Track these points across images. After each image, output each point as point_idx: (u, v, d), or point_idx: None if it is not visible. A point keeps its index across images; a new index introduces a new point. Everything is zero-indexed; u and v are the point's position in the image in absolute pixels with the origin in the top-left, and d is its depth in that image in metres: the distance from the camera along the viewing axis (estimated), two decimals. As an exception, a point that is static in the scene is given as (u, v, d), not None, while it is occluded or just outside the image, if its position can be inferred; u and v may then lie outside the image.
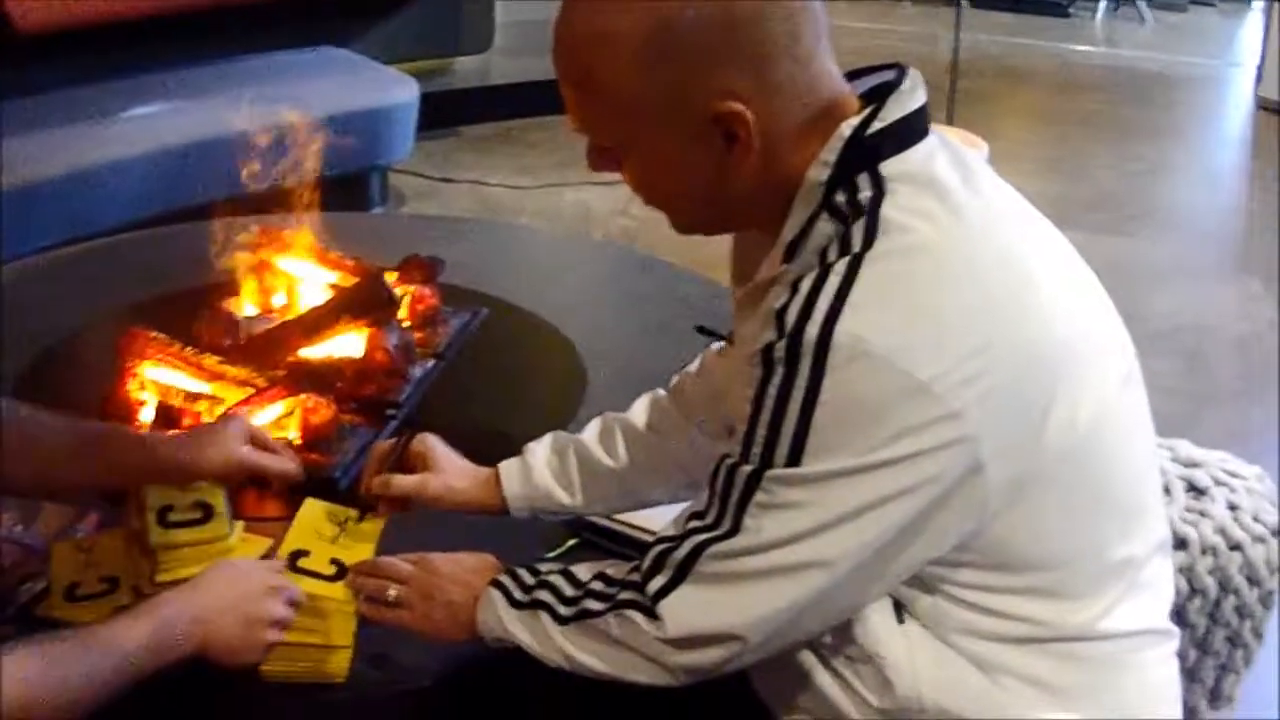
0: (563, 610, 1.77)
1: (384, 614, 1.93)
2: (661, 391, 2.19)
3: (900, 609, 1.67)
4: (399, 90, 6.08)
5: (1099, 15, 11.60)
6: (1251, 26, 11.34)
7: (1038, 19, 11.41)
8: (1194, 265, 6.17)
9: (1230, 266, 6.15)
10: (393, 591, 1.93)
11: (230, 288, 2.99)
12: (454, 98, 7.46)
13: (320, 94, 5.80)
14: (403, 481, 2.12)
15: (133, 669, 1.73)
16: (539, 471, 2.14)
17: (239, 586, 1.88)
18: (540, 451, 2.16)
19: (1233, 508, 2.68)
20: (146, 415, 2.57)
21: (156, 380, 2.63)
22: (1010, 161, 6.87)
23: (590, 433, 2.18)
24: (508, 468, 2.15)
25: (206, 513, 2.11)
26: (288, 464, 2.17)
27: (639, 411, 2.18)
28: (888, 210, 1.56)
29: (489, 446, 2.21)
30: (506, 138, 7.33)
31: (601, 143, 1.68)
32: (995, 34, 10.56)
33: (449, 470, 2.16)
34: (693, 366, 2.17)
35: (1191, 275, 6.02)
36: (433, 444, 2.18)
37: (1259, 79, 9.13)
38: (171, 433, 2.40)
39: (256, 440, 2.16)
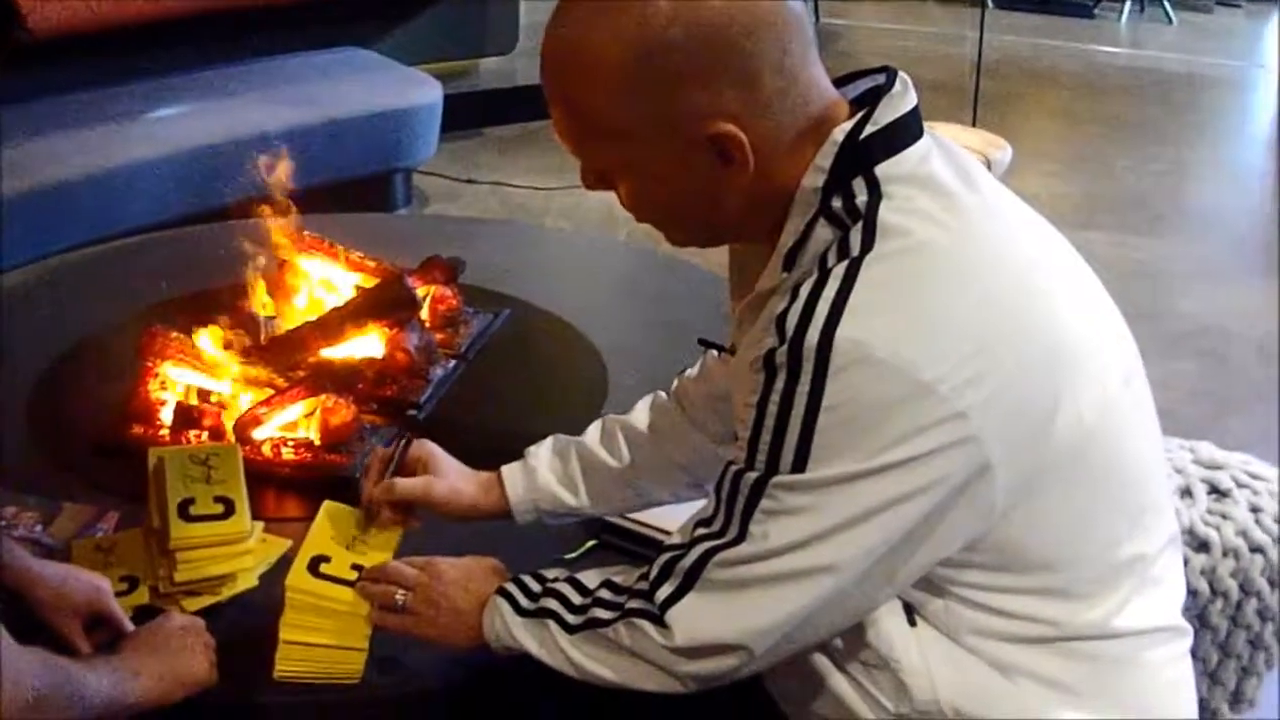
0: (570, 618, 1.77)
1: (392, 620, 1.94)
2: (663, 394, 2.19)
3: (912, 612, 1.67)
4: (423, 91, 6.09)
5: (1124, 16, 11.56)
6: (1276, 27, 11.30)
7: (1062, 20, 11.37)
8: (1218, 267, 6.15)
9: (1255, 268, 6.13)
10: (400, 597, 1.92)
11: (253, 288, 2.99)
12: (478, 99, 7.46)
13: (345, 95, 5.83)
14: (406, 485, 2.11)
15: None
16: (542, 474, 2.14)
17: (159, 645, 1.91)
18: (542, 454, 2.16)
19: (1255, 510, 2.67)
20: (166, 414, 2.57)
21: (177, 380, 2.64)
22: (1035, 162, 6.86)
23: (592, 434, 2.17)
24: (510, 471, 2.15)
25: (228, 508, 2.13)
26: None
27: (640, 413, 2.18)
28: (885, 213, 1.56)
29: (509, 447, 2.21)
30: (530, 139, 7.32)
31: (594, 166, 1.69)
32: (1020, 35, 10.53)
33: (451, 474, 2.15)
34: (693, 370, 2.17)
35: (1215, 277, 6.00)
36: (431, 449, 2.17)
37: (1285, 80, 9.11)
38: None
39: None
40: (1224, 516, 2.65)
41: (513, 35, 7.63)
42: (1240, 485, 2.74)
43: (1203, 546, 2.59)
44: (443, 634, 1.91)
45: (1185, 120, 8.66)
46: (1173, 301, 5.55)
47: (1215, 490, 2.73)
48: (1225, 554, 2.59)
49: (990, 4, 6.81)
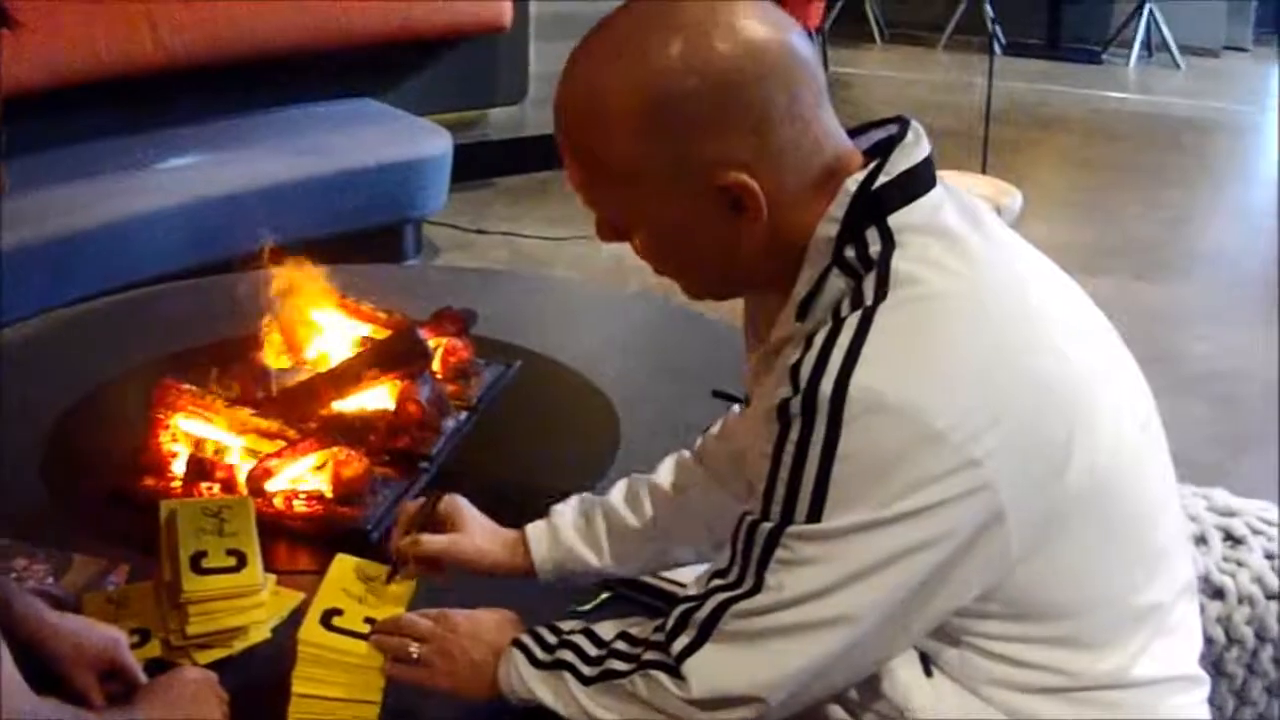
0: (586, 670, 1.76)
1: (407, 672, 1.93)
2: (686, 452, 2.19)
3: (928, 662, 1.66)
4: (433, 142, 6.11)
5: (1132, 62, 11.58)
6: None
7: (1071, 66, 11.41)
8: (1228, 311, 6.15)
9: (1264, 311, 6.12)
10: (414, 649, 1.92)
11: (263, 340, 3.00)
12: (488, 149, 7.48)
13: (355, 146, 5.85)
14: (432, 542, 2.10)
15: None
16: (566, 533, 2.13)
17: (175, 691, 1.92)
18: (567, 514, 2.15)
19: (1270, 557, 2.66)
20: (178, 467, 2.57)
21: (189, 432, 2.64)
22: (1043, 208, 6.86)
23: (616, 494, 2.17)
24: (535, 530, 2.14)
25: (240, 561, 2.13)
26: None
27: (665, 472, 2.17)
28: (898, 262, 1.56)
29: (522, 499, 2.21)
30: (540, 189, 7.34)
31: (607, 216, 1.69)
32: (1028, 81, 10.56)
33: (477, 532, 2.15)
34: (715, 428, 2.17)
35: (1226, 321, 6.00)
36: (460, 504, 2.16)
37: (1293, 124, 9.12)
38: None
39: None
40: (1239, 564, 2.63)
41: (522, 85, 7.65)
42: (1255, 532, 2.72)
43: (1218, 594, 2.57)
44: (458, 686, 1.90)
45: (1194, 164, 8.67)
46: (1183, 345, 5.55)
47: (1230, 537, 2.71)
48: (1240, 601, 2.57)
49: (999, 50, 6.81)
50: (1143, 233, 7.17)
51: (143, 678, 1.99)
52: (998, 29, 7.21)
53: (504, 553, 2.13)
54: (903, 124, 1.67)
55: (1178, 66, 11.48)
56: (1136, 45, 11.63)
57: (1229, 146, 9.54)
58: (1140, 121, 9.68)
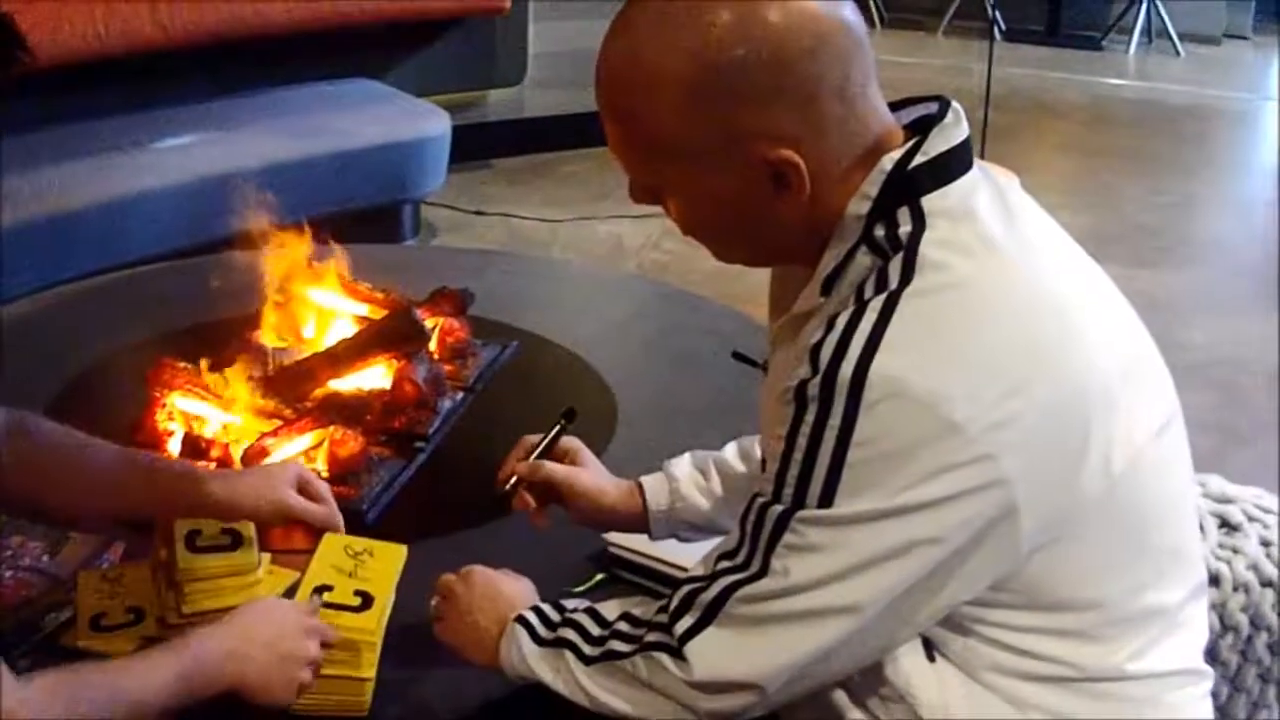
0: (588, 650, 1.76)
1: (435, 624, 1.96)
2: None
3: (931, 648, 1.65)
4: (432, 123, 6.10)
5: (1132, 48, 11.56)
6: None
7: (1070, 52, 11.38)
8: (1226, 299, 6.14)
9: (1263, 299, 6.11)
10: (434, 601, 1.94)
11: (260, 319, 2.99)
12: (487, 130, 7.47)
13: (353, 126, 5.84)
14: (555, 469, 2.11)
15: (166, 702, 1.73)
16: (685, 485, 2.13)
17: (274, 625, 1.88)
18: (683, 466, 2.15)
19: (1265, 544, 2.65)
20: (174, 446, 2.57)
21: (185, 410, 2.63)
22: (1042, 194, 6.75)
23: (730, 450, 2.16)
24: (652, 481, 2.14)
25: (235, 540, 2.12)
26: (332, 515, 2.18)
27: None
28: (926, 246, 1.55)
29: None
30: (539, 170, 7.34)
31: (643, 181, 1.67)
32: (1028, 67, 10.54)
33: (596, 470, 2.15)
34: None
35: (1224, 309, 6.00)
36: (580, 446, 2.17)
37: (1293, 112, 9.11)
38: (221, 470, 2.40)
39: (305, 487, 2.17)
40: (1235, 551, 2.63)
41: (521, 67, 7.64)
42: (1251, 519, 2.72)
43: (1213, 581, 2.57)
44: (461, 644, 1.92)
45: (1193, 152, 8.66)
46: (1181, 333, 5.54)
47: (1226, 524, 2.71)
48: (1236, 589, 2.57)
49: (999, 36, 6.81)
50: (1140, 220, 7.17)
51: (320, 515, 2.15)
52: (997, 15, 7.20)
53: (619, 498, 2.14)
54: (943, 104, 1.66)
55: (1178, 54, 11.45)
56: (1136, 32, 11.60)
57: (1229, 134, 9.53)
58: (1140, 109, 9.67)
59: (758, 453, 2.10)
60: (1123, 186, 7.72)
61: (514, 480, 2.10)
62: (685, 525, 2.13)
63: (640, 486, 2.15)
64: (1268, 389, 5.20)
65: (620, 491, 2.15)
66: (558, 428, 2.18)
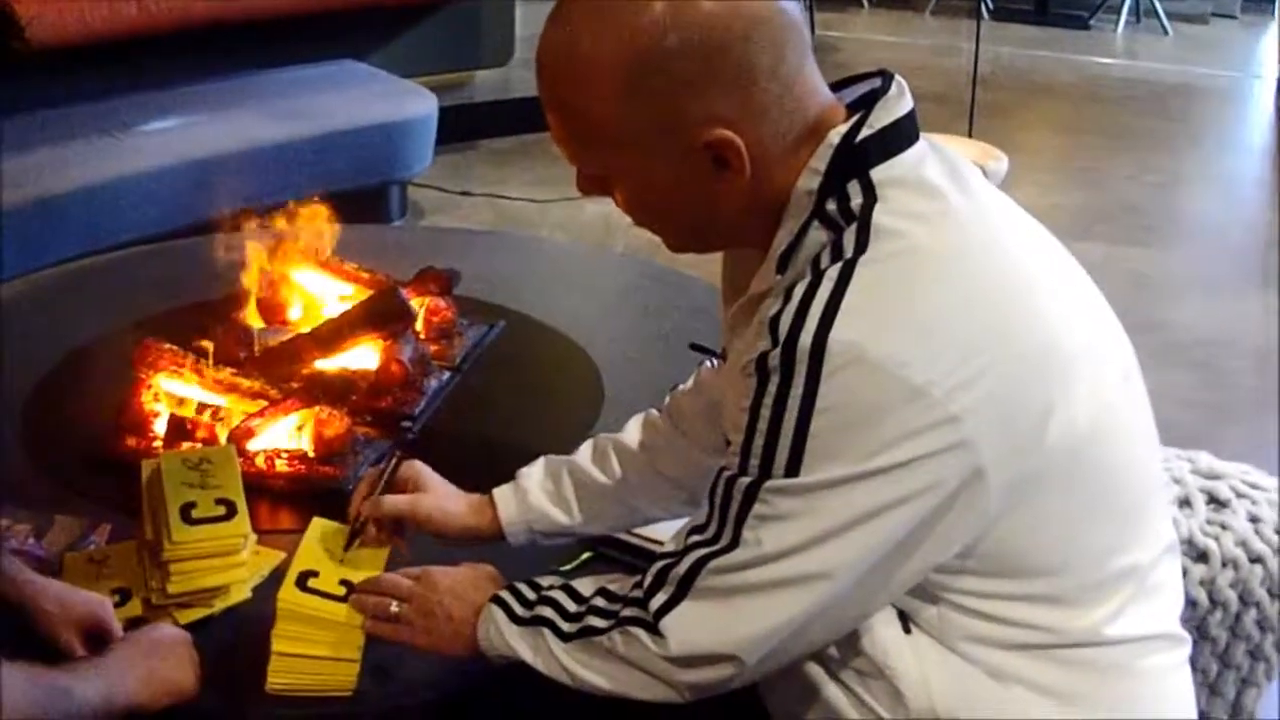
0: (565, 627, 1.76)
1: (387, 631, 1.93)
2: (654, 411, 2.18)
3: (906, 619, 1.66)
4: (418, 104, 6.08)
5: (1120, 27, 11.57)
6: (1272, 38, 11.29)
7: (1058, 31, 11.38)
8: (1214, 277, 6.14)
9: (1251, 278, 6.12)
10: (394, 608, 1.92)
11: (246, 300, 2.99)
12: (473, 111, 7.46)
13: (339, 107, 5.82)
14: (394, 501, 2.09)
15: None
16: (534, 494, 2.12)
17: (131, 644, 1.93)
18: (534, 475, 2.14)
19: (1254, 520, 2.66)
20: (160, 426, 2.56)
21: (170, 392, 2.62)
22: (1030, 173, 6.85)
23: (584, 453, 2.16)
24: (502, 493, 2.13)
25: (230, 510, 2.12)
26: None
27: (632, 431, 2.17)
28: (879, 216, 1.55)
29: (504, 460, 2.20)
30: (525, 151, 7.32)
31: (590, 171, 1.68)
32: (1016, 46, 10.54)
33: (440, 494, 2.14)
34: (687, 384, 2.16)
35: (1211, 287, 6.00)
36: (421, 468, 2.16)
37: (1280, 90, 9.12)
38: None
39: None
40: (1223, 527, 2.64)
41: (508, 47, 7.63)
42: (1239, 495, 2.73)
43: (1202, 557, 2.58)
44: (438, 643, 1.90)
45: (1181, 131, 8.66)
46: (1169, 312, 5.54)
47: (1214, 500, 2.72)
48: (1224, 565, 2.58)
49: (986, 16, 6.81)
50: (1129, 198, 7.17)
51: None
52: (985, -7, 7.19)
53: (471, 515, 2.12)
54: (886, 77, 1.66)
55: (1166, 32, 11.46)
56: (1124, 11, 11.62)
57: (1216, 113, 9.53)
58: (1127, 87, 9.67)
59: (614, 456, 2.13)
60: (1111, 165, 7.72)
61: (360, 521, 2.08)
62: (540, 534, 2.13)
63: (492, 499, 2.14)
64: (1255, 367, 5.21)
65: (470, 508, 2.13)
66: (394, 459, 2.16)
